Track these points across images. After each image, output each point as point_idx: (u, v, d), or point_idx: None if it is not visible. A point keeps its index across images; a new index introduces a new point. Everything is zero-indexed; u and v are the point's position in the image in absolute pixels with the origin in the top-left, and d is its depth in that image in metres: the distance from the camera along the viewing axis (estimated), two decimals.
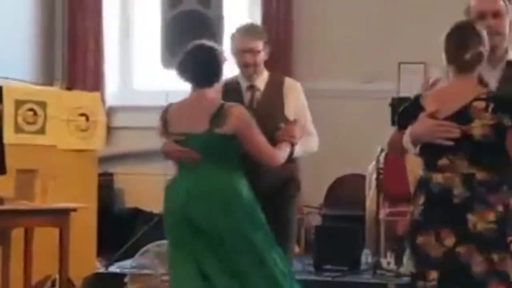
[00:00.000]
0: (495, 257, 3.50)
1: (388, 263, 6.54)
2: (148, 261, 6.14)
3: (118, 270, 6.49)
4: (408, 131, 3.66)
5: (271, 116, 4.56)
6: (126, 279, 6.12)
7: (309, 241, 7.42)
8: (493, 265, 3.51)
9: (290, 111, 4.68)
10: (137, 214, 8.11)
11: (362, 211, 7.25)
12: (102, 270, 6.57)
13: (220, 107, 4.25)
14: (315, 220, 7.67)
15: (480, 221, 3.50)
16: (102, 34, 8.58)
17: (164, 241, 6.06)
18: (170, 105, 4.45)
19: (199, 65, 4.34)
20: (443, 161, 3.56)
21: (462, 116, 3.52)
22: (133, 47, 8.85)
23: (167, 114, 4.37)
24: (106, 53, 8.62)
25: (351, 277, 6.43)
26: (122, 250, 6.81)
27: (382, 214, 6.88)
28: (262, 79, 4.74)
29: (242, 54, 4.69)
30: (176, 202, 4.29)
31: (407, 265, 6.42)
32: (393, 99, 8.13)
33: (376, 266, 6.50)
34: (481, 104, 3.51)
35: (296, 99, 4.74)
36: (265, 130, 4.34)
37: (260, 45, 4.72)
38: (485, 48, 3.60)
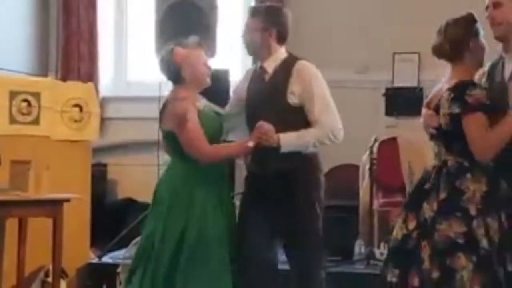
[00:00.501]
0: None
1: (381, 254, 6.53)
2: None
3: (111, 261, 6.50)
4: None
5: (276, 100, 4.52)
6: (119, 270, 6.12)
7: None
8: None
9: (294, 96, 4.58)
10: (130, 204, 8.11)
11: (355, 202, 7.26)
12: (95, 260, 6.58)
13: (164, 105, 4.47)
14: None
15: (428, 211, 3.68)
16: (96, 25, 8.56)
17: None
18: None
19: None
20: (435, 149, 3.84)
21: (438, 106, 3.75)
22: (127, 38, 8.83)
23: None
24: (100, 44, 8.60)
25: (345, 267, 6.44)
26: (115, 240, 6.81)
27: (375, 205, 6.89)
28: (272, 62, 4.66)
29: (250, 32, 4.70)
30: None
31: None
32: (387, 89, 8.17)
33: (370, 256, 6.52)
34: (446, 94, 3.70)
35: (303, 83, 4.60)
36: (269, 115, 4.34)
37: (258, 23, 4.67)
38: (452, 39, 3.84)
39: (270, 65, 4.64)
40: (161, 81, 7.75)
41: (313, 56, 8.00)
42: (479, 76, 4.05)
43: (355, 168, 7.49)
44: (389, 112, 8.13)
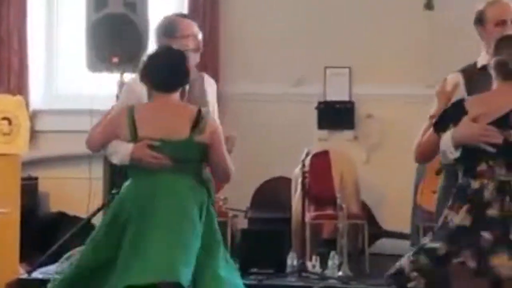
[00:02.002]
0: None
1: (314, 266, 6.58)
2: None
3: (41, 276, 6.38)
4: (448, 134, 3.67)
5: None
6: (49, 285, 6.03)
7: (235, 244, 7.43)
8: None
9: (210, 107, 4.64)
10: (61, 218, 8.01)
11: (288, 214, 7.29)
12: (25, 276, 6.46)
13: (198, 114, 4.16)
14: (242, 223, 7.67)
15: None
16: (26, 37, 8.45)
17: None
18: (132, 107, 4.27)
19: (167, 70, 4.22)
20: (482, 167, 3.61)
21: (504, 122, 3.57)
22: (58, 50, 8.73)
23: (132, 117, 4.21)
24: (30, 56, 8.49)
25: (277, 280, 6.44)
26: (46, 255, 6.71)
27: (307, 217, 6.92)
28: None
29: (188, 38, 4.65)
30: (133, 207, 4.15)
31: (332, 268, 6.53)
32: (319, 103, 8.23)
33: (302, 269, 6.54)
34: None
35: (214, 96, 4.76)
36: None
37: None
38: None
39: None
40: (93, 94, 7.77)
41: (247, 70, 8.13)
42: (453, 86, 4.08)
43: (288, 181, 7.52)
44: (321, 125, 8.19)
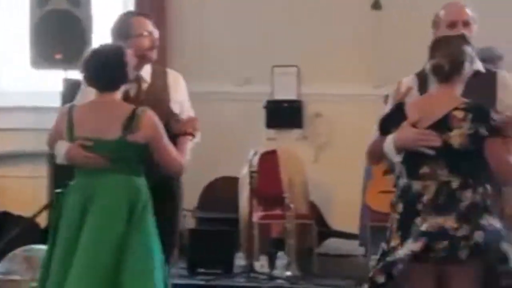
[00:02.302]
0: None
1: (262, 266, 6.56)
2: (16, 266, 5.95)
3: None
4: (390, 138, 3.76)
5: (158, 109, 4.39)
6: None
7: (183, 244, 7.37)
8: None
9: (176, 104, 4.59)
10: (5, 217, 7.87)
11: (236, 214, 7.26)
12: None
13: (132, 113, 4.10)
14: (190, 223, 7.61)
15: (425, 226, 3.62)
16: None
17: (34, 246, 5.92)
18: (72, 107, 4.24)
19: (104, 69, 4.15)
20: (424, 170, 3.68)
21: (443, 125, 3.65)
22: (1, 47, 8.58)
23: (71, 117, 4.17)
24: None
25: (225, 280, 6.43)
26: None
27: (255, 217, 6.89)
28: (146, 70, 4.60)
29: (143, 37, 4.53)
30: (74, 209, 4.12)
31: (280, 268, 6.52)
32: (268, 102, 8.21)
33: (250, 269, 6.52)
34: (460, 114, 3.65)
35: (181, 91, 4.67)
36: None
37: (154, 29, 4.61)
38: (467, 61, 3.73)
39: (146, 73, 4.61)
40: (37, 91, 7.65)
41: (194, 69, 8.06)
42: (406, 89, 4.09)
43: (236, 180, 7.48)
44: (269, 124, 8.17)
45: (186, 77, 8.18)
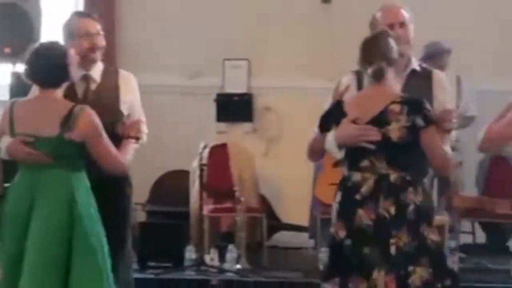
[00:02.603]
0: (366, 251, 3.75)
1: (212, 259, 6.56)
2: None
3: None
4: (331, 135, 3.86)
5: (106, 109, 4.43)
6: None
7: (133, 238, 7.34)
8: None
9: (125, 105, 4.59)
10: None
11: (187, 208, 7.25)
12: None
13: (70, 111, 4.11)
14: (140, 216, 7.59)
15: (366, 218, 3.76)
16: None
17: None
18: (14, 103, 4.25)
19: (45, 66, 4.17)
20: (364, 163, 3.82)
21: (381, 119, 3.78)
22: None
23: (12, 113, 4.18)
24: None
25: (175, 274, 6.42)
26: None
27: (205, 211, 6.89)
28: (97, 70, 4.61)
29: (85, 37, 4.54)
30: (18, 206, 4.14)
31: (230, 261, 6.52)
32: (218, 95, 8.21)
33: (200, 262, 6.51)
34: (396, 108, 3.78)
35: (131, 92, 4.67)
36: (101, 123, 4.25)
37: (99, 29, 4.62)
38: (390, 60, 3.84)
39: (96, 73, 4.61)
40: None
41: (145, 61, 8.04)
42: (345, 87, 4.21)
43: (186, 174, 7.47)
44: (220, 118, 8.17)
45: (137, 70, 8.13)
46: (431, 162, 3.79)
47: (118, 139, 4.36)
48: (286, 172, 7.73)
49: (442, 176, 4.10)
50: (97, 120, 4.15)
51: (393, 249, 3.71)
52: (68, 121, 4.09)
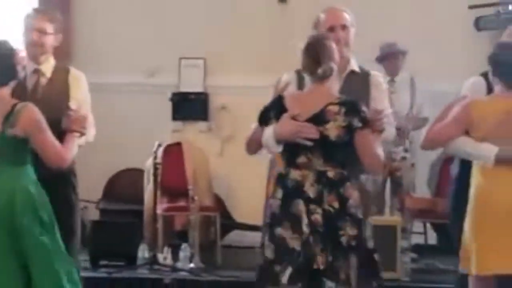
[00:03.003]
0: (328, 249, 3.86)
1: (165, 258, 6.55)
2: None
3: None
4: (270, 129, 3.95)
5: (55, 105, 4.46)
6: None
7: (85, 236, 7.30)
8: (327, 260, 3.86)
9: (74, 102, 4.59)
10: None
11: (141, 206, 7.23)
12: None
13: (12, 108, 4.13)
14: (93, 214, 7.55)
15: (317, 215, 3.87)
16: None
17: None
18: None
19: None
20: (301, 159, 3.93)
21: (320, 118, 3.90)
22: None
23: None
24: None
25: (128, 272, 6.39)
26: None
27: (159, 209, 6.88)
28: (48, 66, 4.65)
29: (31, 32, 4.60)
30: None
31: (183, 260, 6.52)
32: (174, 94, 8.20)
33: (153, 261, 6.50)
34: (334, 108, 3.90)
35: (81, 90, 4.69)
36: (49, 119, 4.23)
37: (49, 27, 4.64)
38: (335, 61, 3.98)
39: (47, 69, 4.62)
40: None
41: (101, 59, 7.99)
42: (285, 84, 4.34)
43: (141, 172, 7.45)
44: (175, 116, 8.16)
45: (93, 69, 8.14)
46: (363, 161, 3.91)
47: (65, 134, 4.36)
48: (241, 171, 7.73)
49: (374, 175, 4.22)
50: (39, 116, 4.17)
51: (343, 240, 3.85)
52: (10, 118, 4.12)
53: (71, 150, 4.35)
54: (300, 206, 3.87)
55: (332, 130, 3.88)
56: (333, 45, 4.00)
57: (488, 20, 7.70)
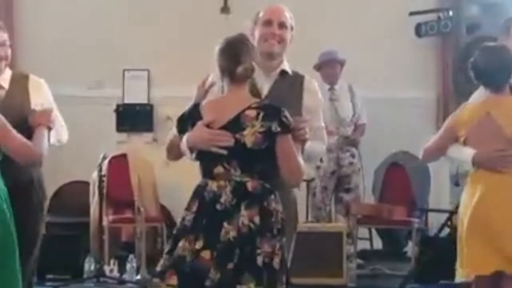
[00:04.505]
0: (230, 267, 3.53)
1: (111, 270, 6.53)
2: None
3: None
4: (185, 137, 3.70)
5: (17, 113, 4.32)
6: None
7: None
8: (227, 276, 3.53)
9: (37, 107, 4.43)
10: None
11: (87, 218, 7.19)
12: None
13: None
14: None
15: (232, 230, 3.55)
16: None
17: None
18: None
19: None
20: (217, 169, 3.63)
21: (235, 124, 3.62)
22: None
23: None
24: None
25: (74, 285, 6.39)
26: None
27: (105, 221, 6.85)
28: (5, 78, 4.52)
29: None
30: None
31: (130, 272, 6.50)
32: (118, 105, 8.17)
33: (100, 273, 6.47)
34: (252, 113, 3.61)
35: (42, 96, 4.55)
36: (14, 128, 4.19)
37: (6, 37, 4.53)
38: (255, 61, 3.71)
39: (4, 81, 4.56)
40: None
41: (44, 71, 7.87)
42: (209, 85, 4.09)
43: (86, 185, 7.41)
44: (120, 128, 8.14)
45: None
46: (282, 170, 3.62)
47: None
48: (186, 181, 7.60)
49: (292, 186, 3.97)
50: (1, 117, 4.09)
51: (259, 260, 3.54)
52: None
53: (41, 144, 4.21)
54: (215, 220, 3.57)
55: (249, 136, 3.59)
56: (254, 46, 3.79)
57: (429, 27, 7.81)
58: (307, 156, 3.82)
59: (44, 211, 4.71)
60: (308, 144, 3.78)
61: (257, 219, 3.56)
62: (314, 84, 4.10)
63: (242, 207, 3.56)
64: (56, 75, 7.97)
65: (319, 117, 4.01)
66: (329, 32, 7.68)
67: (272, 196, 3.61)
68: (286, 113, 3.61)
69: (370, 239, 7.71)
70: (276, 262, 3.55)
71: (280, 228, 3.60)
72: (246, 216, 3.55)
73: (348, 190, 7.17)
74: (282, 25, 4.04)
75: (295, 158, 3.62)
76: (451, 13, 7.39)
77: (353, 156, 7.20)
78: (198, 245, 3.55)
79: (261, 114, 3.60)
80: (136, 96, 8.17)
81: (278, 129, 3.57)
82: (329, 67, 7.18)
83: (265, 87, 3.91)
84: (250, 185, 3.60)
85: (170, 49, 8.01)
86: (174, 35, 8.06)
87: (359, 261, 6.90)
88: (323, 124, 4.03)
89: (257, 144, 3.58)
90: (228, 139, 3.59)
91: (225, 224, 3.54)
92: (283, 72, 4.01)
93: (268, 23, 4.04)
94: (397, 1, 8.04)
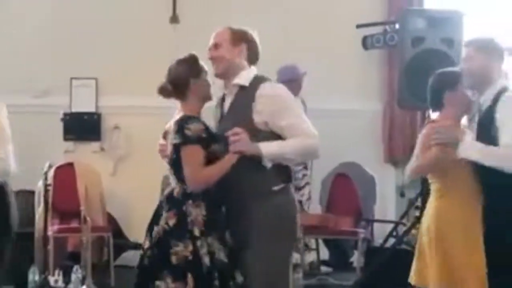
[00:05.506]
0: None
1: (56, 281, 6.45)
2: None
3: None
4: None
5: None
6: None
7: None
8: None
9: None
10: None
11: (32, 228, 7.12)
12: None
13: None
14: None
15: (155, 232, 3.99)
16: None
17: None
18: None
19: None
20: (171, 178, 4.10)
21: (168, 135, 4.07)
22: None
23: None
24: None
25: None
26: None
27: (51, 231, 6.79)
28: None
29: None
30: None
31: (75, 282, 6.43)
32: (65, 114, 8.11)
33: (44, 284, 6.39)
34: (171, 127, 4.03)
35: None
36: None
37: None
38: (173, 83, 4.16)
39: None
40: None
41: None
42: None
43: (31, 194, 7.34)
44: (67, 137, 8.08)
45: None
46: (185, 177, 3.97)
47: None
48: (134, 191, 7.71)
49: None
50: None
51: (174, 259, 3.89)
52: None
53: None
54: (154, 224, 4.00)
55: (169, 148, 4.01)
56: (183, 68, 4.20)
57: (375, 39, 7.88)
58: (294, 154, 4.05)
59: (12, 224, 4.72)
60: (282, 144, 3.99)
61: (172, 221, 3.93)
62: (270, 88, 4.13)
63: (165, 210, 3.98)
64: (2, 83, 7.92)
65: (285, 115, 4.05)
66: (277, 45, 7.71)
67: (191, 201, 3.93)
68: (192, 125, 3.95)
69: (317, 250, 7.75)
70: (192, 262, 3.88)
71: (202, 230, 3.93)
72: (165, 218, 3.96)
73: (300, 202, 7.19)
74: (215, 46, 4.25)
75: (186, 166, 3.94)
76: (397, 26, 7.46)
77: (306, 168, 7.24)
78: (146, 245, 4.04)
79: (174, 128, 4.00)
80: (83, 105, 8.12)
81: (179, 140, 3.95)
82: (296, 82, 7.12)
83: (227, 103, 4.15)
84: (175, 191, 4.00)
85: (119, 58, 7.98)
86: (122, 43, 8.04)
87: (306, 271, 6.93)
88: (299, 120, 4.10)
89: (172, 154, 4.00)
90: (165, 149, 4.08)
91: (154, 226, 4.00)
92: (241, 88, 4.14)
93: (212, 46, 4.27)
94: (344, 14, 8.12)
